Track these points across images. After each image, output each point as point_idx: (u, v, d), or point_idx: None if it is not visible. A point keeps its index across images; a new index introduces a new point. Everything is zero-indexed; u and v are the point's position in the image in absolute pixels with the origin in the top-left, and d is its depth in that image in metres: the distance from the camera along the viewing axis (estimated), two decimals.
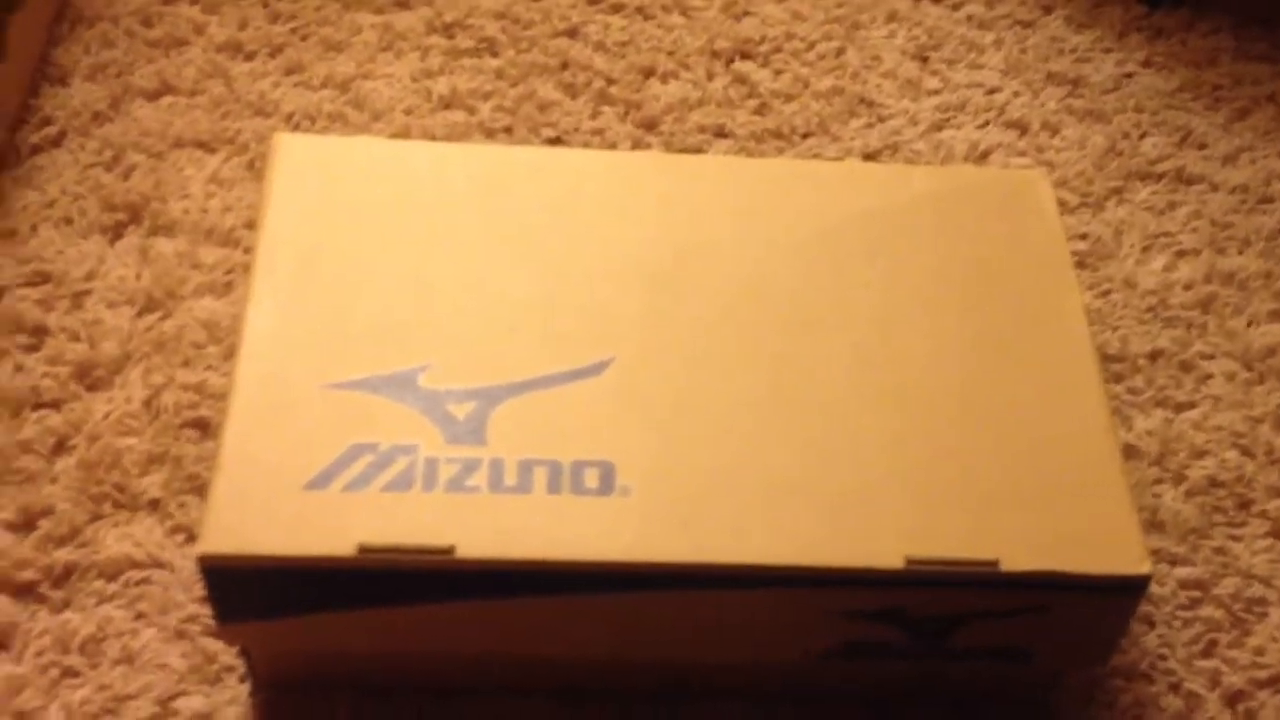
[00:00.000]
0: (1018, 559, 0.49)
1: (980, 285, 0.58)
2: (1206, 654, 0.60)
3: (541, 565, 0.48)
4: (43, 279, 0.67)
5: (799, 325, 0.55)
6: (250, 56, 0.78)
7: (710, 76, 0.80)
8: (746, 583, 0.49)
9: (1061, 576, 0.49)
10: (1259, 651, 0.60)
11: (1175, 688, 0.59)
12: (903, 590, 0.50)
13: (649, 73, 0.80)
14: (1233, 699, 0.59)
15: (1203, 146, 0.80)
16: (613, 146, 0.76)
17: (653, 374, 0.53)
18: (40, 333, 0.65)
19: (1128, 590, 0.50)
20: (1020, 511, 0.51)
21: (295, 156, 0.59)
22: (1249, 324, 0.72)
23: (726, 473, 0.50)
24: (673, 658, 0.54)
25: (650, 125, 0.78)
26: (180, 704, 0.54)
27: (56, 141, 0.73)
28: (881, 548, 0.49)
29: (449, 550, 0.47)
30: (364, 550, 0.47)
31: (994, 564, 0.49)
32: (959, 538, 0.49)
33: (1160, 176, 0.79)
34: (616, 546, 0.48)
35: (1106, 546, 0.50)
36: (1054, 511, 0.51)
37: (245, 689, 0.55)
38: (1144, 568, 0.50)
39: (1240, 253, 0.75)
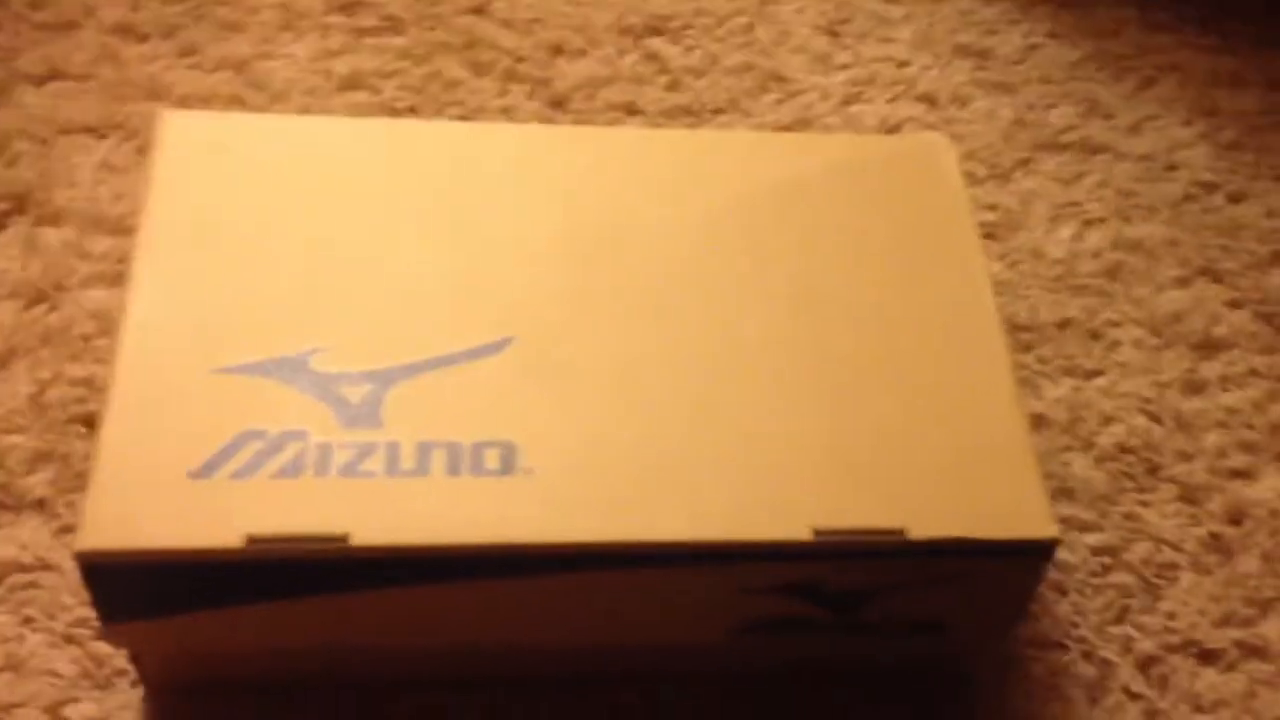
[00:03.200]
0: (925, 526, 0.49)
1: (886, 254, 0.57)
2: (1119, 620, 0.60)
3: (440, 550, 0.47)
4: None
5: (705, 299, 0.54)
6: (143, 39, 0.76)
7: (620, 53, 0.79)
8: (654, 561, 0.48)
9: (969, 543, 0.49)
10: (1170, 616, 0.61)
11: (1088, 655, 0.59)
12: (812, 563, 0.49)
13: (558, 50, 0.79)
14: (1145, 664, 0.59)
15: (1109, 116, 0.81)
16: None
17: (555, 351, 0.52)
18: None
19: (1035, 554, 0.50)
20: (927, 481, 0.50)
21: (182, 134, 0.57)
22: (1156, 290, 0.73)
23: (631, 450, 0.49)
24: (585, 642, 0.53)
25: (559, 103, 0.76)
26: (70, 711, 0.52)
27: None
28: (789, 520, 0.48)
29: (343, 538, 0.46)
30: (252, 541, 0.45)
31: (901, 532, 0.48)
32: (867, 509, 0.49)
33: (1066, 147, 0.79)
34: (517, 528, 0.47)
35: (1013, 512, 0.50)
36: (961, 479, 0.50)
37: (138, 694, 0.53)
38: (1050, 531, 0.49)
39: (1146, 220, 0.76)
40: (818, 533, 0.48)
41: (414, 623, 0.49)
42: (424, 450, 0.48)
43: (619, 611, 0.50)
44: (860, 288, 0.56)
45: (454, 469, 0.48)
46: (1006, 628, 0.55)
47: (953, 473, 0.50)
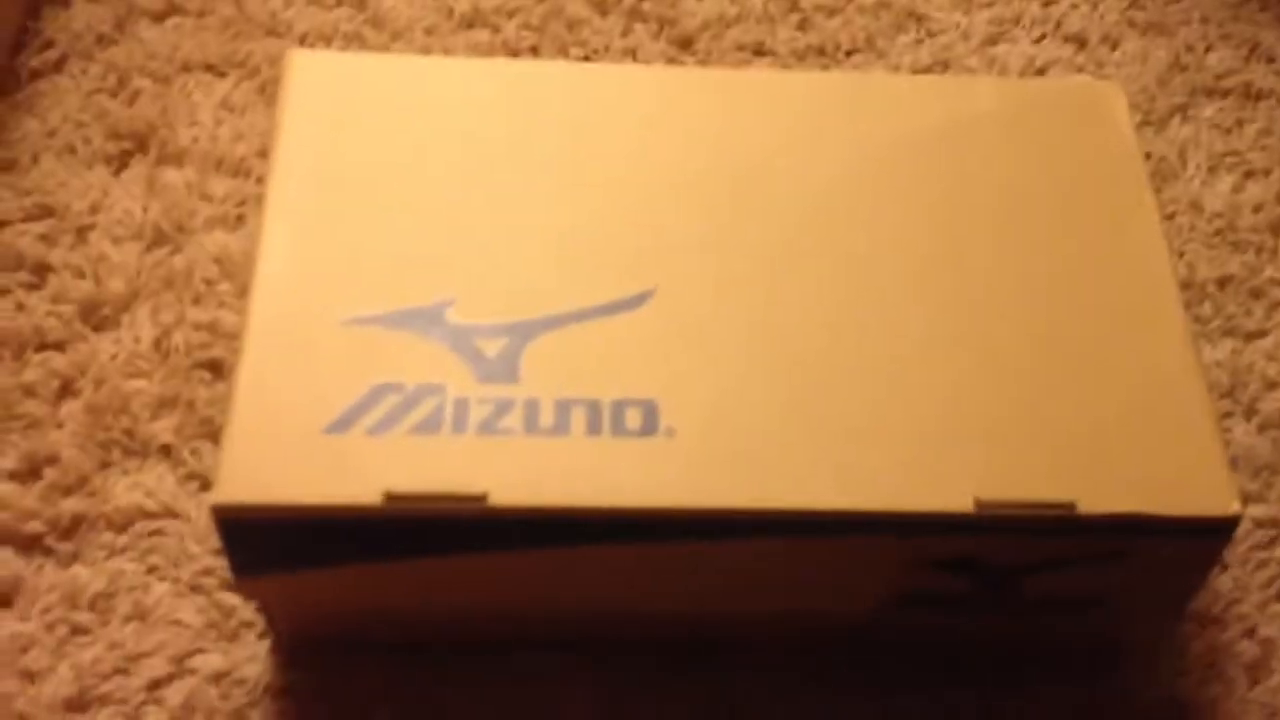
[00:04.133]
0: (1096, 500, 0.45)
1: (1052, 208, 0.53)
2: None
3: (580, 512, 0.44)
4: (45, 213, 0.63)
5: (858, 252, 0.51)
6: None
7: None
8: (802, 529, 0.46)
9: (1144, 519, 0.45)
10: None
11: (1250, 633, 0.56)
12: (972, 536, 0.46)
13: None
14: None
15: (1272, 60, 0.75)
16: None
17: (698, 306, 0.49)
18: (43, 270, 0.61)
19: (1215, 533, 0.47)
20: (1098, 450, 0.47)
21: (310, 75, 0.55)
22: None
23: (778, 412, 0.47)
24: (723, 609, 0.50)
25: (685, 43, 0.73)
26: (197, 662, 0.52)
27: (58, 66, 0.69)
28: (949, 490, 0.45)
29: (482, 497, 0.44)
30: (390, 498, 0.44)
31: (1071, 506, 0.45)
32: (1033, 479, 0.46)
33: (1227, 92, 0.74)
34: (660, 491, 0.45)
35: (1192, 486, 0.46)
36: (1134, 449, 0.47)
37: (265, 645, 0.52)
38: (1233, 508, 0.46)
39: None
40: (980, 504, 0.45)
41: (552, 585, 0.47)
42: (563, 408, 0.46)
43: (761, 580, 0.48)
44: (1022, 243, 0.52)
45: (594, 428, 0.46)
46: (1175, 608, 0.52)
47: (1125, 441, 0.47)
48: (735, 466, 0.45)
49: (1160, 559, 0.47)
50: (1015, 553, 0.47)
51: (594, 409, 0.46)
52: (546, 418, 0.46)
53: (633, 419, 0.46)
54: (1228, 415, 0.62)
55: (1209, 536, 0.47)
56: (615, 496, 0.45)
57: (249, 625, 0.52)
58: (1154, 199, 0.54)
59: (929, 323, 0.49)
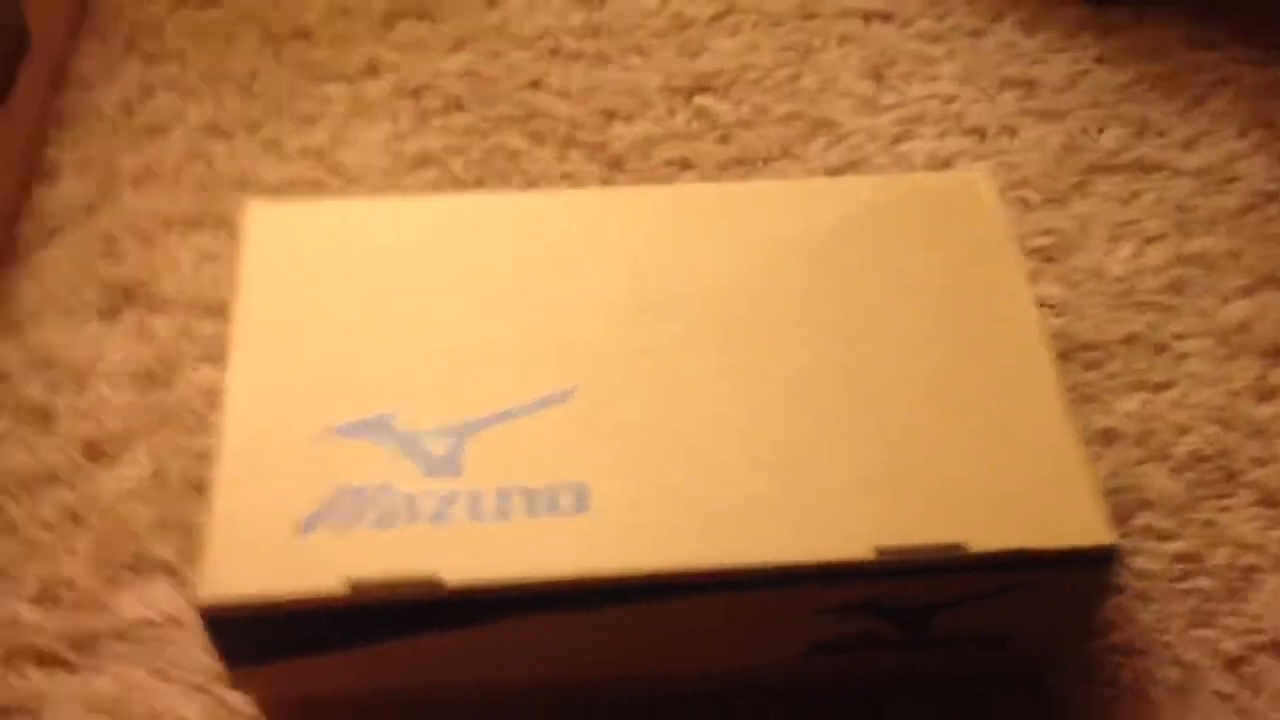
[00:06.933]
0: (983, 540, 0.50)
1: (935, 286, 0.59)
2: (1204, 624, 0.61)
3: (526, 586, 0.50)
4: (47, 364, 0.70)
5: (760, 340, 0.57)
6: (229, 136, 0.81)
7: (672, 112, 0.82)
8: (725, 586, 0.51)
9: (1027, 554, 0.51)
10: (1256, 617, 0.61)
11: (1174, 660, 0.60)
12: (877, 580, 0.51)
13: (612, 114, 0.82)
14: (1232, 664, 0.59)
15: (1161, 134, 0.82)
16: (582, 187, 0.78)
17: (617, 395, 0.55)
18: (48, 416, 0.68)
19: (1095, 562, 0.52)
20: (984, 497, 0.52)
21: (266, 223, 0.61)
22: (1221, 301, 0.73)
23: (695, 484, 0.52)
24: (663, 667, 0.55)
25: (617, 164, 0.80)
26: None
27: (51, 235, 0.75)
28: (853, 541, 0.51)
29: (436, 579, 0.49)
30: (355, 586, 0.49)
31: (960, 547, 0.50)
32: (927, 525, 0.51)
33: (1121, 168, 0.80)
34: (596, 561, 0.50)
35: (1069, 521, 0.51)
36: (1017, 494, 0.52)
37: None
38: (1107, 538, 0.51)
39: (1207, 233, 0.76)
40: (880, 551, 0.50)
41: (507, 656, 0.52)
42: (503, 495, 0.52)
43: (696, 635, 0.53)
44: (911, 320, 0.58)
45: (532, 511, 0.51)
46: (1078, 637, 0.57)
47: (1009, 488, 0.52)
48: (657, 534, 0.51)
49: (1050, 589, 0.52)
50: (918, 593, 0.52)
51: (530, 494, 0.52)
52: (489, 505, 0.51)
53: (566, 500, 0.51)
54: (1142, 462, 0.67)
55: (1090, 565, 0.52)
56: (556, 568, 0.50)
57: None
58: (1026, 275, 0.60)
59: (826, 396, 0.55)
